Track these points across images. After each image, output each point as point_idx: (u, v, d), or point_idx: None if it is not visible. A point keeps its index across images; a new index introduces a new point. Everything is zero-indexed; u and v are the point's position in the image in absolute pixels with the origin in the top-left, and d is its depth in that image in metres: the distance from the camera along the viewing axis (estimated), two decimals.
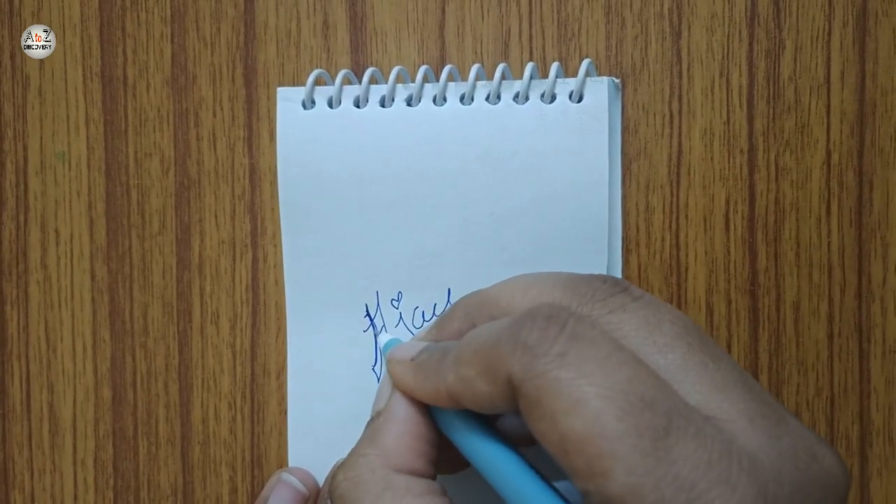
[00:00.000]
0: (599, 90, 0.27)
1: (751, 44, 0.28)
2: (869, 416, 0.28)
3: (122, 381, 0.31)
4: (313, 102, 0.28)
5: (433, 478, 0.21)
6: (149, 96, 0.31)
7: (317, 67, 0.29)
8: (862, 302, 0.28)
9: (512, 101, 0.27)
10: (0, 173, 0.31)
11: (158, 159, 0.30)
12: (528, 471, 0.20)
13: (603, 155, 0.27)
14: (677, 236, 0.28)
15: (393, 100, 0.28)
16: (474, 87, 0.27)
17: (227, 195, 0.30)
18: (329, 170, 0.28)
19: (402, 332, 0.28)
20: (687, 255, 0.28)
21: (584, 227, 0.27)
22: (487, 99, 0.27)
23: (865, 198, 0.28)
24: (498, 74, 0.27)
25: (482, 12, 0.29)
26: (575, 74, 0.27)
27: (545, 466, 0.20)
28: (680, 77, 0.28)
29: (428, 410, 0.22)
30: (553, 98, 0.27)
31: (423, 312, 0.28)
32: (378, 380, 0.28)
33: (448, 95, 0.27)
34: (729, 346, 0.28)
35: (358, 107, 0.28)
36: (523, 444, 0.22)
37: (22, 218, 0.31)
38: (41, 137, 0.31)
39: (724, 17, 0.28)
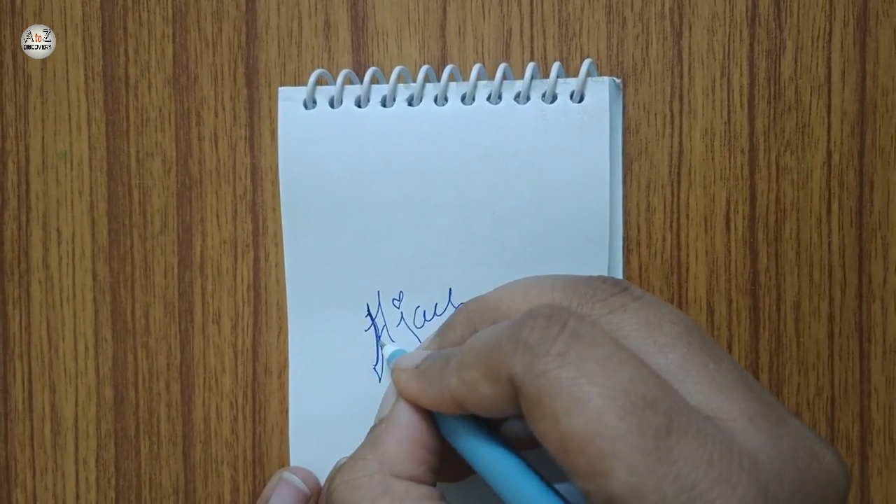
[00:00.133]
0: (600, 90, 0.27)
1: (752, 44, 0.28)
2: (869, 416, 0.28)
3: (123, 381, 0.31)
4: (314, 102, 0.28)
5: (433, 485, 0.21)
6: (150, 96, 0.31)
7: (318, 67, 0.30)
8: (862, 302, 0.28)
9: (513, 100, 0.27)
10: (2, 173, 0.31)
11: (160, 159, 0.31)
12: (531, 475, 0.20)
13: (604, 155, 0.27)
14: (678, 236, 0.28)
15: (394, 100, 0.28)
16: (475, 86, 0.27)
17: (229, 195, 0.30)
18: (330, 169, 0.28)
19: (404, 331, 0.28)
20: (688, 255, 0.28)
21: (585, 227, 0.27)
22: (489, 99, 0.27)
23: (866, 198, 0.28)
24: (499, 74, 0.27)
25: (483, 12, 0.29)
26: (576, 74, 0.27)
27: (547, 469, 0.20)
28: (681, 77, 0.28)
29: (431, 419, 0.22)
30: (554, 98, 0.27)
31: (424, 312, 0.28)
32: (379, 378, 0.28)
33: (449, 95, 0.27)
34: (730, 346, 0.28)
35: (359, 106, 0.28)
36: (525, 447, 0.22)
37: (24, 218, 0.31)
38: (43, 137, 0.31)
39: (724, 18, 0.28)
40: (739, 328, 0.28)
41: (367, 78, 0.27)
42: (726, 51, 0.28)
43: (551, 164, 0.27)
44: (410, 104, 0.28)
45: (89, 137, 0.31)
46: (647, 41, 0.28)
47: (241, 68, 0.30)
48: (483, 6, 0.29)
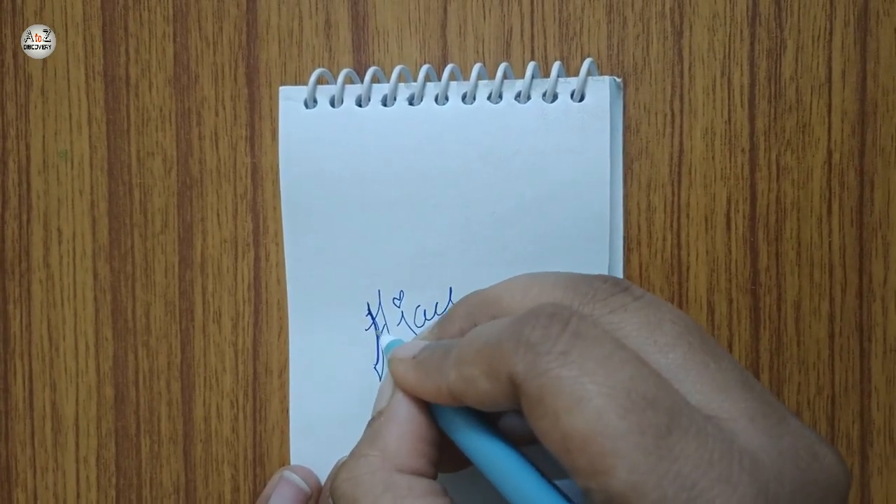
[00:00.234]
0: (601, 89, 0.27)
1: (752, 43, 0.28)
2: (870, 416, 0.28)
3: (124, 380, 0.31)
4: (315, 101, 0.28)
5: (434, 478, 0.21)
6: (151, 95, 0.31)
7: (319, 66, 0.30)
8: (863, 301, 0.28)
9: (514, 100, 0.27)
10: (3, 172, 0.31)
11: (161, 158, 0.31)
12: (529, 469, 0.20)
13: (604, 154, 0.27)
14: (678, 235, 0.28)
15: (395, 99, 0.28)
16: (476, 86, 0.27)
17: (230, 194, 0.30)
18: (331, 169, 0.28)
19: (404, 330, 0.28)
20: (688, 255, 0.28)
21: (585, 227, 0.27)
22: (489, 98, 0.27)
23: (866, 197, 0.28)
24: (500, 74, 0.27)
25: (484, 11, 0.29)
26: (576, 74, 0.27)
27: (546, 465, 0.20)
28: (681, 76, 0.28)
29: (429, 409, 0.22)
30: (555, 97, 0.27)
31: (424, 311, 0.28)
32: (380, 378, 0.28)
33: (450, 94, 0.27)
34: (730, 346, 0.28)
35: (360, 106, 0.28)
36: (524, 443, 0.22)
37: (25, 217, 0.31)
38: (44, 136, 0.31)
39: (725, 17, 0.28)
40: (740, 327, 0.28)
41: (367, 77, 0.28)
42: (727, 50, 0.28)
43: (552, 163, 0.27)
44: (411, 103, 0.28)
45: (90, 137, 0.31)
46: (647, 41, 0.28)
47: (241, 68, 0.30)
48: (484, 6, 0.29)
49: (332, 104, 0.28)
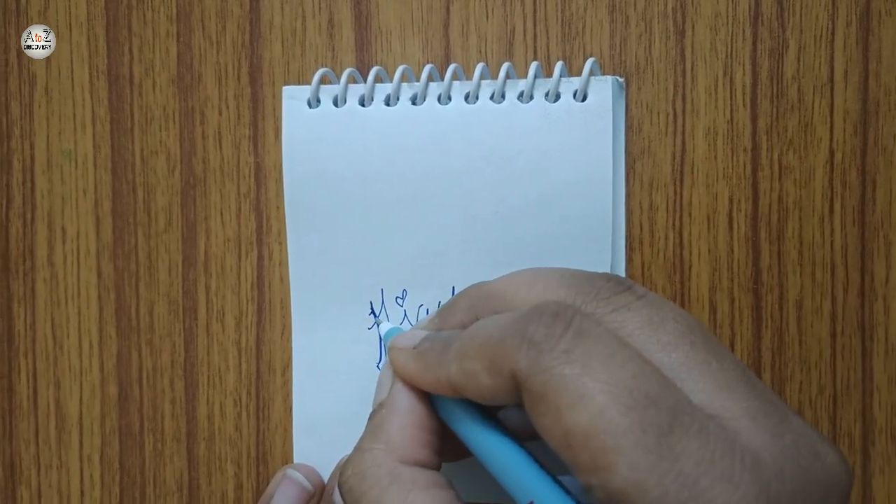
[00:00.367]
0: (603, 89, 0.27)
1: (754, 43, 0.28)
2: (871, 414, 0.28)
3: (128, 378, 0.31)
4: (318, 101, 0.28)
5: (438, 467, 0.22)
6: (155, 95, 0.31)
7: (322, 66, 0.30)
8: (865, 300, 0.28)
9: (516, 99, 0.27)
10: (7, 171, 0.31)
11: (164, 157, 0.31)
12: (529, 461, 0.20)
13: (607, 153, 0.27)
14: (681, 234, 0.28)
15: (398, 98, 0.28)
16: (479, 86, 0.27)
17: (233, 193, 0.30)
18: (334, 168, 0.28)
19: (407, 329, 0.28)
20: (690, 254, 0.28)
21: (588, 226, 0.27)
22: (492, 98, 0.27)
23: (868, 196, 0.28)
24: (502, 73, 0.27)
25: (486, 11, 0.29)
26: (579, 73, 0.27)
27: (547, 461, 0.20)
28: (684, 76, 0.28)
29: (429, 400, 0.22)
30: (557, 97, 0.27)
31: (427, 310, 0.28)
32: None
33: (453, 94, 0.27)
34: (732, 345, 0.28)
35: (363, 105, 0.28)
36: (524, 438, 0.22)
37: (29, 216, 0.31)
38: (48, 136, 0.31)
39: (727, 17, 0.28)
40: (742, 326, 0.28)
41: (370, 77, 0.28)
42: (729, 50, 0.28)
43: (554, 162, 0.27)
44: (414, 103, 0.28)
45: (94, 136, 0.31)
46: (649, 40, 0.28)
47: (244, 67, 0.30)
48: (486, 5, 0.29)
49: (336, 104, 0.28)
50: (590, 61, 0.27)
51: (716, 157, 0.28)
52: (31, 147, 0.31)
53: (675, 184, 0.28)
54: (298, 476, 0.28)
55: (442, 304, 0.28)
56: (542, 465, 0.20)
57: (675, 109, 0.28)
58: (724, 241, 0.28)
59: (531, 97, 0.27)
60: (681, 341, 0.20)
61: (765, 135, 0.28)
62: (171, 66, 0.31)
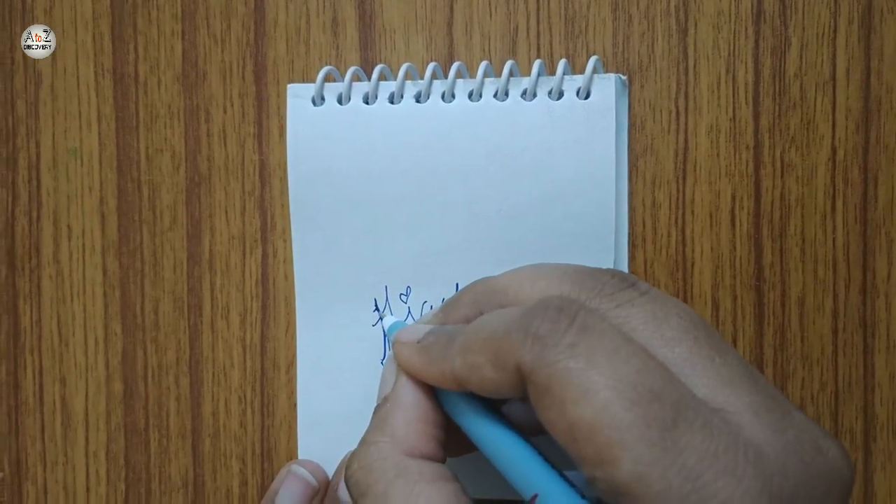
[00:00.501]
0: (607, 87, 0.27)
1: (757, 41, 0.28)
2: (873, 411, 0.28)
3: (133, 375, 0.31)
4: (323, 99, 0.28)
5: (443, 461, 0.22)
6: (160, 93, 0.31)
7: (326, 64, 0.30)
8: (866, 297, 0.28)
9: (520, 97, 0.27)
10: (13, 169, 0.32)
11: (169, 155, 0.31)
12: (533, 454, 0.20)
13: (610, 151, 0.27)
14: (683, 232, 0.28)
15: (402, 96, 0.28)
16: (482, 83, 0.27)
17: (237, 191, 0.30)
18: (338, 166, 0.28)
19: (410, 323, 0.28)
20: (693, 251, 0.28)
21: (591, 223, 0.27)
22: (495, 95, 0.27)
23: (870, 194, 0.28)
24: (506, 71, 0.27)
25: (490, 9, 0.29)
26: (582, 71, 0.27)
27: (551, 456, 0.20)
28: (686, 74, 0.28)
29: (434, 394, 0.22)
30: (560, 95, 0.27)
31: (431, 307, 0.28)
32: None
33: (456, 92, 0.28)
34: (734, 341, 0.28)
35: (367, 103, 0.28)
36: (529, 433, 0.22)
37: (35, 213, 0.32)
38: (53, 134, 0.31)
39: (730, 14, 0.28)
40: (744, 323, 0.28)
41: (374, 75, 0.28)
42: (731, 48, 0.28)
43: (558, 160, 0.27)
44: (418, 101, 0.28)
45: (99, 134, 0.31)
46: (652, 38, 0.28)
47: (249, 65, 0.30)
48: (490, 4, 0.29)
49: (340, 101, 0.28)
50: (593, 59, 0.27)
51: (718, 155, 0.28)
52: (37, 145, 0.32)
53: (677, 181, 0.28)
54: (303, 472, 0.28)
55: (445, 300, 0.28)
56: (546, 459, 0.20)
57: (677, 107, 0.28)
58: (727, 239, 0.28)
59: (534, 95, 0.27)
60: (684, 337, 0.20)
61: (767, 132, 0.28)
62: (176, 64, 0.31)
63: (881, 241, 0.28)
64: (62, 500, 0.32)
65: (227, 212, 0.31)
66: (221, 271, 0.31)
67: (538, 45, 0.29)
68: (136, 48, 0.31)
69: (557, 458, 0.20)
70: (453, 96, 0.28)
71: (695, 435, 0.18)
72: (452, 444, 0.22)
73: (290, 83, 0.30)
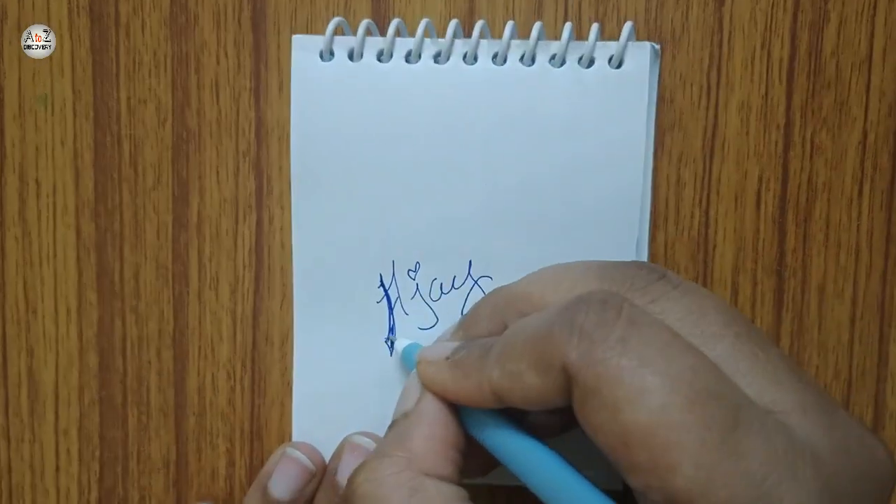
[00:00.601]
0: (641, 56, 0.25)
1: (795, 14, 0.26)
2: (884, 400, 0.28)
3: (110, 347, 0.29)
4: (332, 54, 0.26)
5: (459, 485, 0.20)
6: (144, 37, 0.28)
7: (333, 14, 0.27)
8: (886, 286, 0.27)
9: (548, 63, 0.25)
10: None
11: (154, 107, 0.28)
12: (571, 470, 0.19)
13: (641, 125, 0.25)
14: (707, 213, 0.27)
15: (420, 56, 0.26)
16: (508, 46, 0.25)
17: (231, 150, 0.28)
18: (347, 127, 0.26)
19: (419, 304, 0.27)
20: (716, 233, 0.27)
21: (616, 200, 0.26)
22: (521, 60, 0.25)
23: None
24: (534, 34, 0.25)
25: None
26: (611, 37, 0.25)
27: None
28: (720, 46, 0.27)
29: (457, 415, 0.21)
30: (591, 62, 0.25)
31: (441, 284, 0.27)
32: (391, 352, 0.27)
33: (479, 54, 0.25)
34: None
35: (381, 61, 0.26)
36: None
37: None
38: (19, 77, 0.28)
39: None
40: (763, 309, 0.27)
41: (391, 30, 0.25)
42: (768, 20, 0.27)
43: (585, 132, 0.25)
44: (437, 61, 0.26)
45: (73, 80, 0.28)
46: (687, 5, 0.27)
47: (246, 11, 0.27)
48: None
49: (351, 58, 0.26)
50: (628, 25, 0.25)
51: (748, 134, 0.27)
52: (1, 90, 0.28)
53: (704, 160, 0.27)
54: (299, 455, 0.27)
55: (457, 279, 0.27)
56: (584, 476, 0.19)
57: (709, 81, 0.27)
58: (751, 221, 0.27)
59: (563, 61, 0.25)
60: (725, 332, 0.19)
61: (799, 112, 0.27)
62: (164, 4, 0.28)
63: None
64: (28, 479, 0.29)
65: (218, 172, 0.28)
66: (211, 237, 0.28)
67: (566, 5, 0.27)
68: None
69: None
70: (475, 58, 0.26)
71: (755, 437, 0.17)
72: (466, 469, 0.21)
73: (292, 32, 0.27)
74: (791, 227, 0.27)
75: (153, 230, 0.28)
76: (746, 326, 0.19)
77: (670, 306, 0.19)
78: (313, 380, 0.27)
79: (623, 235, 0.26)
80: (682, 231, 0.27)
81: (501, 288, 0.22)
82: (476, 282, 0.26)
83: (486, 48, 0.25)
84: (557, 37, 0.26)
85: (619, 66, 0.25)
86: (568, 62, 0.25)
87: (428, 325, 0.27)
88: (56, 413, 0.29)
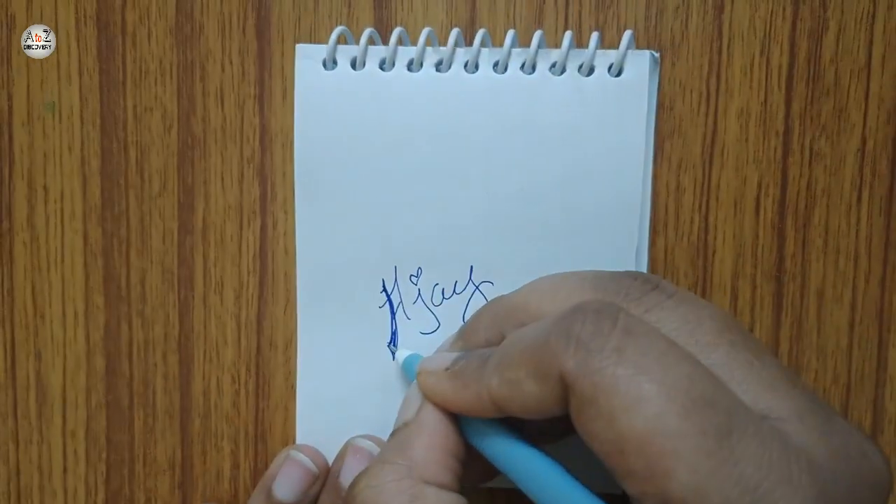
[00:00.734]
0: (640, 64, 0.25)
1: (794, 22, 0.27)
2: (883, 405, 0.28)
3: (116, 350, 0.29)
4: (335, 62, 0.26)
5: (459, 493, 0.21)
6: (150, 46, 0.28)
7: (337, 24, 0.27)
8: (885, 291, 0.27)
9: (548, 71, 0.26)
10: None
11: (160, 115, 0.28)
12: (570, 478, 0.19)
13: (640, 133, 0.25)
14: (706, 219, 0.27)
15: (422, 64, 0.26)
16: (509, 54, 0.26)
17: (235, 157, 0.28)
18: (350, 134, 0.26)
19: (420, 308, 0.27)
20: (715, 238, 0.27)
21: (616, 207, 0.26)
22: (522, 68, 0.26)
23: None
24: (535, 42, 0.25)
25: None
26: (611, 45, 0.26)
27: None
28: (719, 53, 0.27)
29: (457, 424, 0.21)
30: (591, 70, 0.25)
31: (443, 290, 0.27)
32: (393, 356, 0.27)
33: (480, 62, 0.26)
34: (751, 332, 0.28)
35: (383, 69, 0.26)
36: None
37: (6, 171, 0.29)
38: (28, 85, 0.28)
39: None
40: (762, 314, 0.28)
41: (393, 38, 0.26)
42: (767, 27, 0.27)
43: (585, 139, 0.26)
44: (438, 70, 0.26)
45: (80, 88, 0.28)
46: (686, 13, 0.27)
47: (251, 20, 0.28)
48: None
49: (353, 66, 0.26)
50: (627, 34, 0.25)
51: (747, 140, 0.27)
52: (10, 98, 0.29)
53: (703, 166, 0.27)
54: (302, 457, 0.27)
55: (458, 284, 0.27)
56: (583, 483, 0.19)
57: (708, 88, 0.27)
58: (750, 227, 0.27)
59: (564, 69, 0.26)
60: (720, 340, 0.19)
61: (798, 118, 0.27)
62: (170, 14, 0.28)
63: None
64: (36, 480, 0.30)
65: (223, 178, 0.28)
66: (216, 243, 0.28)
67: (566, 13, 0.27)
68: None
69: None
70: (476, 66, 0.26)
71: (749, 442, 0.17)
72: (466, 477, 0.21)
73: (296, 41, 0.27)
74: (790, 232, 0.27)
75: (159, 236, 0.29)
76: (741, 335, 0.20)
77: (665, 316, 0.19)
78: (316, 383, 0.28)
79: (623, 241, 0.26)
80: (682, 237, 0.28)
81: (499, 298, 0.22)
82: (477, 287, 0.27)
83: (487, 56, 0.26)
84: (558, 45, 0.26)
85: (618, 74, 0.25)
86: (568, 70, 0.26)
87: (430, 329, 0.27)
88: (63, 416, 0.29)
